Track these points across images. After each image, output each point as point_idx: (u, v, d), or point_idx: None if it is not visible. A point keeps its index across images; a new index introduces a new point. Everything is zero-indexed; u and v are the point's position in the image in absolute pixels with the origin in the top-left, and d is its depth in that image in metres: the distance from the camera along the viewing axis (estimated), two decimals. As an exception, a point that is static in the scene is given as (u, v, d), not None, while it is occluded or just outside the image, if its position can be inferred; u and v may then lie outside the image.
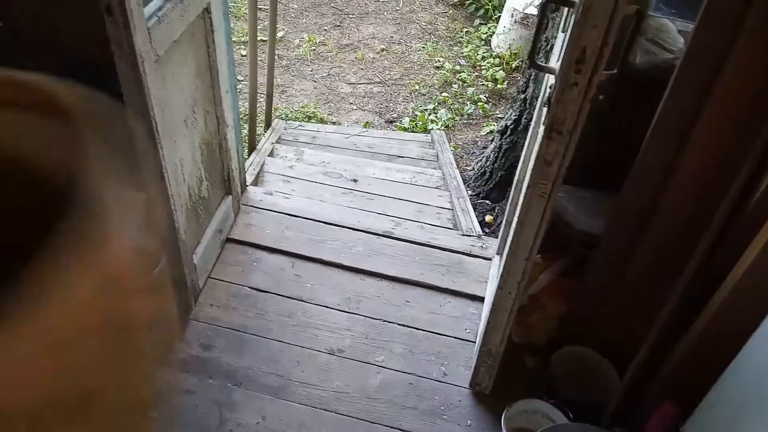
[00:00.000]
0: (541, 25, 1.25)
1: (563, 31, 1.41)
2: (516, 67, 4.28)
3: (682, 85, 1.37)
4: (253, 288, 2.08)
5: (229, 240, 2.23)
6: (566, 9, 1.45)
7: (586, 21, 1.06)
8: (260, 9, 2.89)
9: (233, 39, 2.98)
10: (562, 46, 1.26)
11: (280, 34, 4.25)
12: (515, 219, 1.52)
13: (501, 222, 2.27)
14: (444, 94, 4.15)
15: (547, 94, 1.25)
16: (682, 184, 1.48)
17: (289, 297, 2.07)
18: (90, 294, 0.21)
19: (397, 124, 3.92)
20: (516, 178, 2.02)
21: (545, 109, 1.27)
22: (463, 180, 3.07)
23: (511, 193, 2.06)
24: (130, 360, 0.27)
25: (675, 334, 1.53)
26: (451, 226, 2.57)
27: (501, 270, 1.58)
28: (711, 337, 1.42)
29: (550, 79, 1.39)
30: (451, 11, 4.79)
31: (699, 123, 1.38)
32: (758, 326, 1.22)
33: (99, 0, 1.24)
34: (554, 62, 1.41)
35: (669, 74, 1.40)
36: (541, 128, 1.31)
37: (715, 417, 1.30)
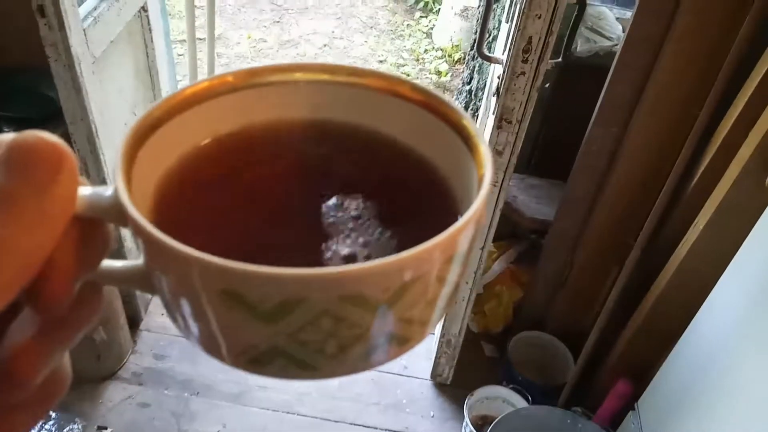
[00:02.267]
0: (487, 15, 1.26)
1: (507, 22, 1.43)
2: (459, 59, 4.31)
3: (622, 72, 1.41)
4: (205, 293, 2.03)
5: (177, 245, 2.17)
6: None
7: (531, 11, 1.07)
8: (196, 6, 2.80)
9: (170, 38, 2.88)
10: (508, 36, 1.27)
11: (218, 31, 4.15)
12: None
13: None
14: (388, 88, 4.12)
15: (495, 85, 1.27)
16: (625, 169, 1.53)
17: (243, 300, 2.03)
18: None
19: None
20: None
21: (494, 99, 1.28)
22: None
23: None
24: None
25: (626, 314, 1.58)
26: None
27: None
28: (659, 316, 1.47)
29: (496, 69, 1.41)
30: (391, 4, 4.79)
31: (639, 109, 1.43)
32: (703, 302, 1.27)
33: (31, 0, 1.17)
34: (500, 52, 1.43)
35: (609, 61, 1.44)
36: (491, 118, 1.32)
37: (668, 391, 1.35)
